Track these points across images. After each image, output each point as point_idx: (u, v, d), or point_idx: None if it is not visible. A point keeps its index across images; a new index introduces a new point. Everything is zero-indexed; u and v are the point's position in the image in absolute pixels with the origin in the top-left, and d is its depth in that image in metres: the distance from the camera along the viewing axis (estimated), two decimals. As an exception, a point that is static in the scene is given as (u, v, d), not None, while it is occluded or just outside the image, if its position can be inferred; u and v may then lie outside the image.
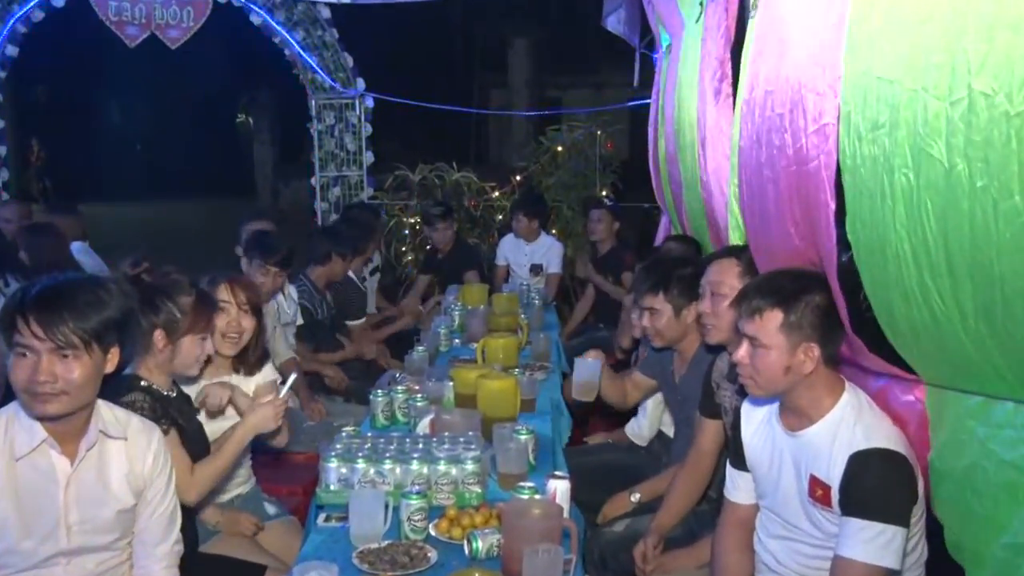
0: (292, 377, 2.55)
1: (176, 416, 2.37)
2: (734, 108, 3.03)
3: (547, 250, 5.91)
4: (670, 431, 3.29)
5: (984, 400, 1.55)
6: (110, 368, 1.88)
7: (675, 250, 3.75)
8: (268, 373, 2.89)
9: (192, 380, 2.62)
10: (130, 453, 1.99)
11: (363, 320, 4.84)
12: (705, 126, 3.28)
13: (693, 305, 2.74)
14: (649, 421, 3.42)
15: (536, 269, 5.87)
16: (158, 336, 2.33)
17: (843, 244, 1.76)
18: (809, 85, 1.86)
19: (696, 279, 2.64)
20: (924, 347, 1.61)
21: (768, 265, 2.29)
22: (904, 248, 1.48)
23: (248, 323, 2.78)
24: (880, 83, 1.50)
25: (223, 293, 2.78)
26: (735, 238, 2.83)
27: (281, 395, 2.48)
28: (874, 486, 1.78)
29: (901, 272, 1.51)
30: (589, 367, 2.95)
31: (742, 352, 1.96)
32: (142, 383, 2.34)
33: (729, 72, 3.06)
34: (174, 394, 2.43)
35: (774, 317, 1.91)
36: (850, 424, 1.87)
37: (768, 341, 1.91)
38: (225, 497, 2.74)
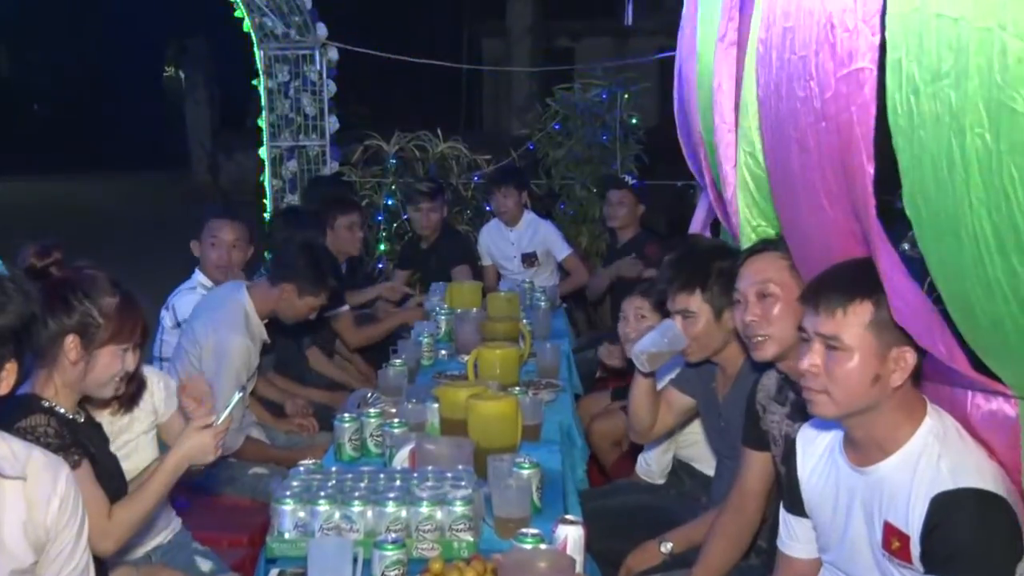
0: (236, 397, 2.56)
1: (87, 444, 2.37)
2: (739, 58, 3.04)
3: (535, 232, 5.97)
4: (699, 464, 3.31)
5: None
6: (4, 389, 1.86)
7: (705, 240, 3.76)
8: (161, 400, 2.80)
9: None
10: (30, 496, 1.96)
11: (345, 309, 4.86)
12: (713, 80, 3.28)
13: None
14: (657, 454, 3.43)
15: (529, 259, 5.91)
16: (70, 344, 2.32)
17: (884, 219, 1.75)
18: (838, 19, 1.86)
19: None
20: (1013, 349, 1.60)
21: (801, 248, 2.29)
22: (983, 227, 1.47)
23: (133, 360, 2.57)
24: (940, 21, 1.47)
25: None
26: (746, 218, 2.84)
27: (221, 418, 2.49)
28: (965, 537, 1.78)
29: (981, 256, 1.50)
30: (674, 334, 2.82)
31: (815, 359, 1.95)
32: (44, 403, 2.33)
33: (736, 13, 3.06)
34: (81, 419, 2.43)
35: (862, 311, 1.90)
36: (933, 457, 1.87)
37: (853, 342, 1.90)
38: (140, 551, 2.73)
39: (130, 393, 2.65)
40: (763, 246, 2.58)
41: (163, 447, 2.83)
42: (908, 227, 1.72)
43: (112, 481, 2.43)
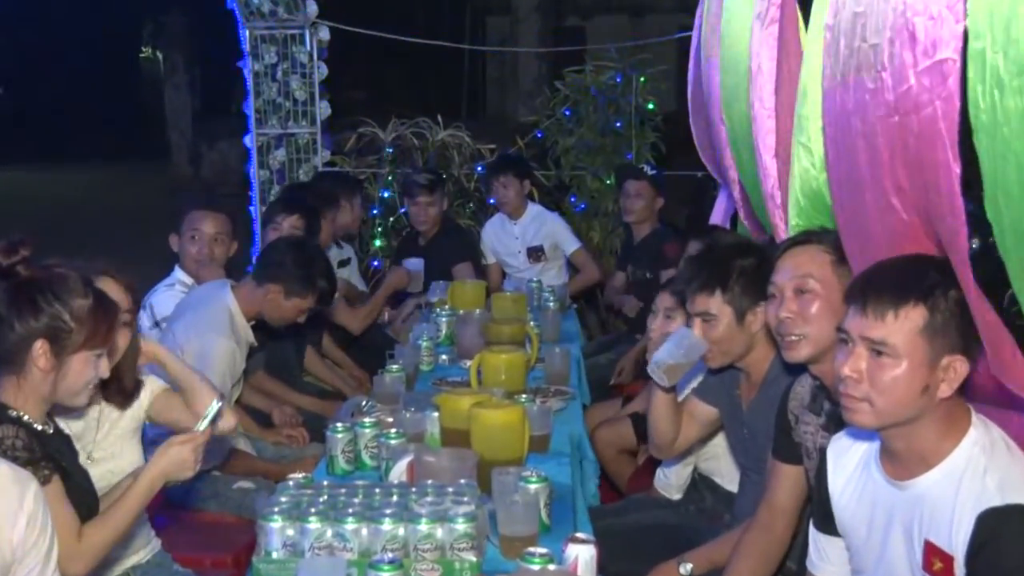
0: (214, 406, 2.56)
1: (58, 458, 2.37)
2: (780, 38, 3.03)
3: (542, 224, 5.98)
4: (722, 479, 3.31)
5: None
6: None
7: (727, 236, 3.75)
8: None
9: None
10: None
11: (335, 297, 4.91)
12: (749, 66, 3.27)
13: (760, 307, 2.75)
14: (677, 467, 3.42)
15: (536, 253, 5.92)
16: (39, 351, 2.32)
17: (974, 224, 1.75)
18: (918, 5, 1.86)
19: (765, 272, 2.64)
20: None
21: (863, 249, 2.28)
22: None
23: (124, 339, 2.68)
24: None
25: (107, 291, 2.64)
26: (797, 219, 2.83)
27: (201, 428, 2.50)
28: (1015, 557, 1.78)
29: None
30: (691, 343, 2.81)
31: (858, 364, 1.93)
32: (11, 413, 2.33)
33: None
34: (51, 430, 2.43)
35: (915, 316, 1.89)
36: (979, 471, 1.87)
37: (902, 349, 1.89)
38: (117, 569, 2.74)
39: (128, 389, 2.69)
40: (805, 237, 2.56)
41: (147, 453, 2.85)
42: (977, 229, 1.72)
43: (83, 497, 2.43)
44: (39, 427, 2.37)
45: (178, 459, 2.44)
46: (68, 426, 2.57)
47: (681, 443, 3.12)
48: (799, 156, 2.73)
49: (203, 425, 2.50)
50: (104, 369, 2.45)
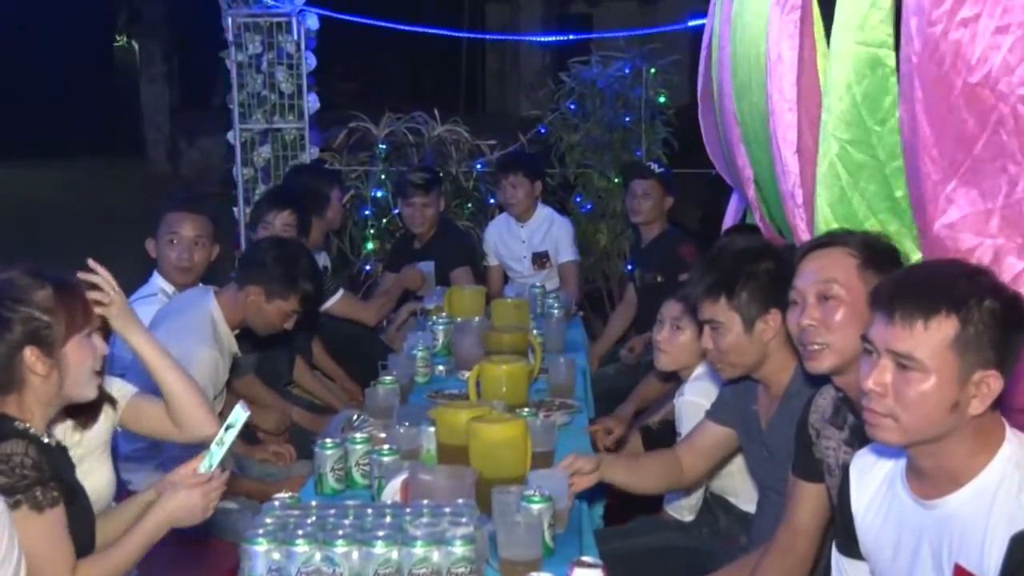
0: (240, 413, 2.50)
1: (61, 474, 2.37)
2: (801, 26, 3.04)
3: (549, 228, 5.99)
4: (736, 499, 3.32)
5: None
6: None
7: (740, 240, 3.77)
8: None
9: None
10: None
11: (339, 295, 4.95)
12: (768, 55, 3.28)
13: (771, 315, 2.76)
14: None
15: (541, 259, 5.93)
16: (31, 359, 2.33)
17: None
18: None
19: (776, 277, 2.64)
20: None
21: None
22: None
23: (103, 342, 2.65)
24: None
25: None
26: (824, 218, 2.83)
27: (213, 468, 2.45)
28: None
29: None
30: (553, 485, 2.72)
31: (882, 376, 1.94)
32: (18, 425, 2.33)
33: None
34: (53, 443, 2.43)
35: (946, 327, 1.89)
36: (1012, 489, 1.87)
37: (932, 362, 1.89)
38: None
39: (90, 406, 2.68)
40: (828, 239, 2.55)
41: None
42: None
43: (82, 515, 2.44)
44: (44, 439, 2.38)
45: (186, 504, 2.44)
46: None
47: (690, 475, 3.11)
48: (841, 155, 2.71)
49: (211, 464, 2.44)
50: (100, 345, 2.48)
